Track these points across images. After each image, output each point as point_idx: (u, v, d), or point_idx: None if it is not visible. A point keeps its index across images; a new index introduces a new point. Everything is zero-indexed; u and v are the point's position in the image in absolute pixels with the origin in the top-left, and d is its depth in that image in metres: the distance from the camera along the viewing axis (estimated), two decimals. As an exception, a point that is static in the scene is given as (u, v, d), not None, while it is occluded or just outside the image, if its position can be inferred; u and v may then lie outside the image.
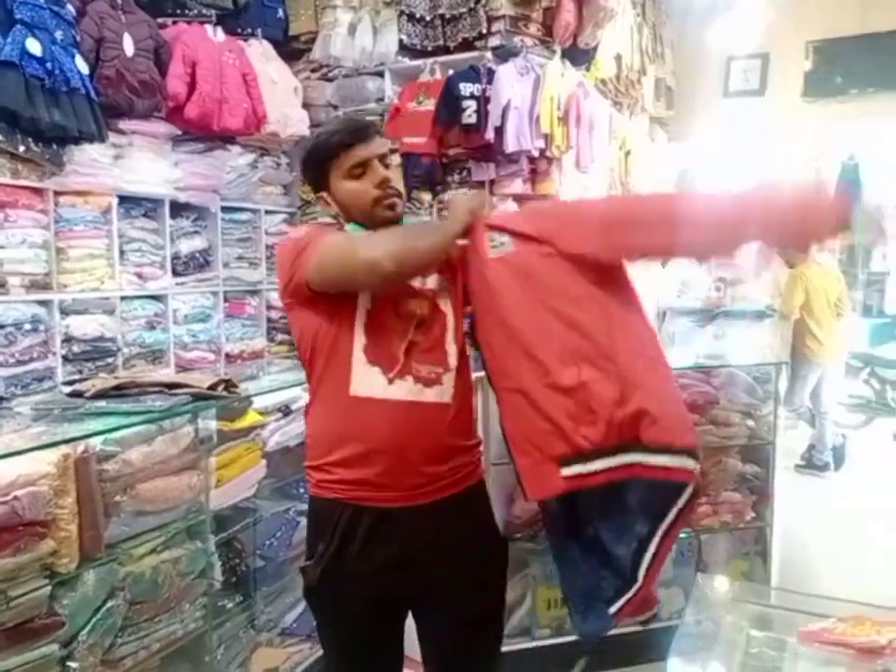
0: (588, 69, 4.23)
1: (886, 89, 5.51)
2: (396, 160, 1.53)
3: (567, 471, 1.34)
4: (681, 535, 2.71)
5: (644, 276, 5.09)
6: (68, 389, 1.92)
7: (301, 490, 2.48)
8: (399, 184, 1.50)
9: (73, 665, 1.67)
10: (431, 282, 1.50)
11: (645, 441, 1.29)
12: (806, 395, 4.92)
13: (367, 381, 1.41)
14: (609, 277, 1.43)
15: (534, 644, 2.57)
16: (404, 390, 1.41)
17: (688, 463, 1.26)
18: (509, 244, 1.45)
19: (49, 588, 1.63)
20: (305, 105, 4.18)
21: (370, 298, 1.44)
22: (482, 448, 1.60)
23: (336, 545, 1.45)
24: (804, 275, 4.82)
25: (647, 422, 1.30)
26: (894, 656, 0.84)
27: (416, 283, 1.48)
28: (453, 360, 1.46)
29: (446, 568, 1.47)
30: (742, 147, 6.73)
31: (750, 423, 2.80)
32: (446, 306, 1.49)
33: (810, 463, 4.96)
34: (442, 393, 1.44)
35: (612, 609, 1.33)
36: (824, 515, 4.17)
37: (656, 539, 1.29)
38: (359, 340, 1.43)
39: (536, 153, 3.73)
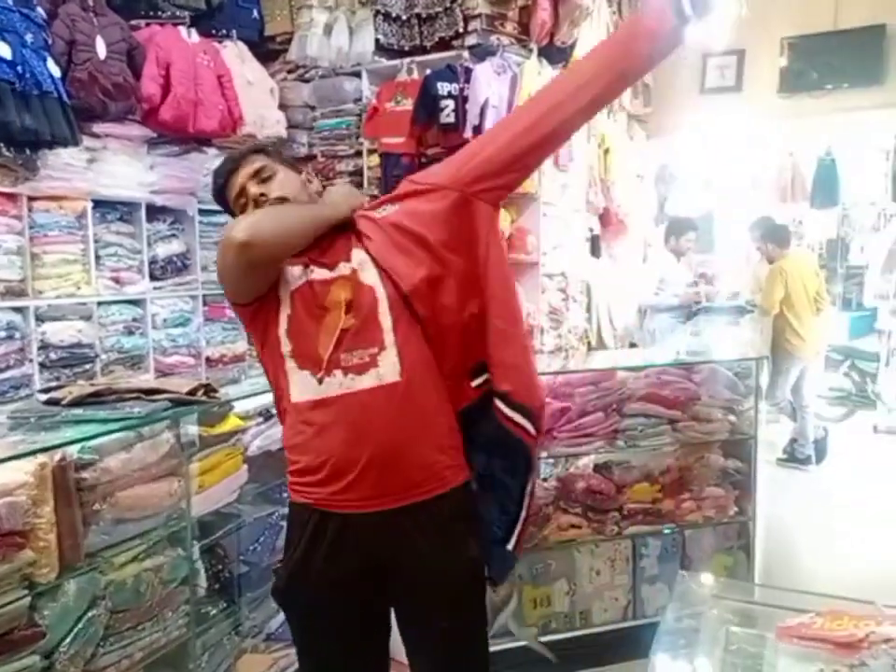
0: (565, 67, 4.24)
1: (860, 84, 5.56)
2: (280, 171, 1.50)
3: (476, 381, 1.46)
4: (665, 531, 2.76)
5: (623, 274, 5.14)
6: (44, 397, 1.90)
7: (284, 494, 2.46)
8: (279, 191, 1.46)
9: (54, 676, 1.65)
10: (350, 262, 1.43)
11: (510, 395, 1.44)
12: (788, 389, 4.97)
13: (301, 386, 1.40)
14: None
15: (520, 643, 2.57)
16: (335, 386, 1.36)
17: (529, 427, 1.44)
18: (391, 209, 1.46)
19: (29, 599, 1.61)
20: (282, 106, 4.16)
21: (289, 303, 1.42)
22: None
23: (303, 549, 1.43)
24: (784, 271, 4.87)
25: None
26: (871, 650, 0.85)
27: (330, 270, 1.42)
28: (389, 335, 1.37)
29: (411, 583, 1.42)
30: (720, 144, 6.80)
31: (732, 418, 2.82)
32: (373, 278, 1.40)
33: (792, 457, 5.01)
34: (382, 374, 1.35)
35: (510, 546, 1.47)
36: (807, 508, 4.21)
37: (531, 478, 1.50)
38: (286, 347, 1.41)
39: (515, 152, 3.73)
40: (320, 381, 1.36)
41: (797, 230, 6.84)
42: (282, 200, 1.45)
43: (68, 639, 1.68)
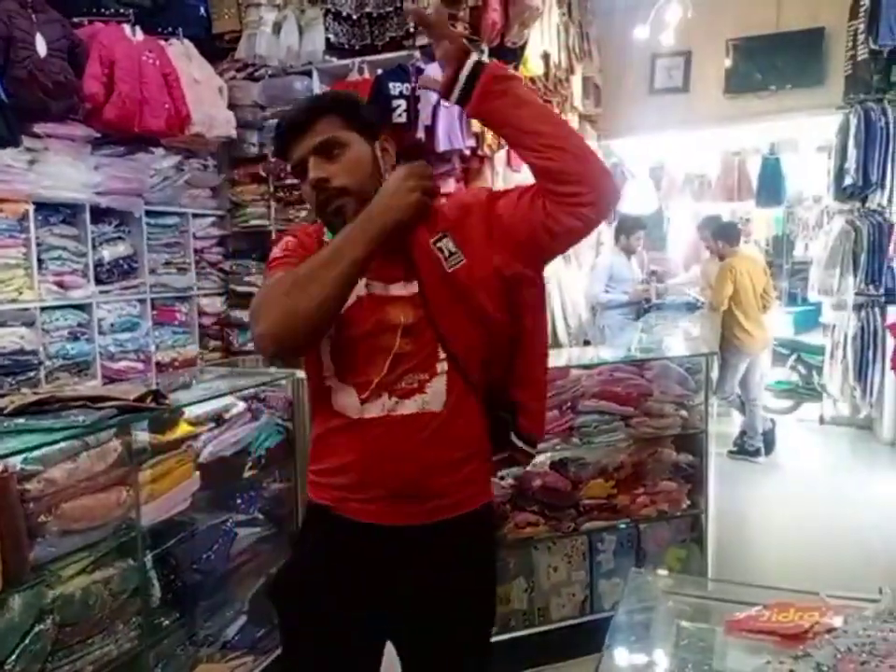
0: (516, 68, 4.26)
1: (802, 85, 5.73)
2: (353, 145, 1.30)
3: None
4: (621, 526, 2.79)
5: (577, 273, 5.20)
6: (-15, 407, 1.83)
7: (238, 501, 2.43)
8: (343, 177, 1.28)
9: (-1, 694, 1.60)
10: (413, 281, 1.31)
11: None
12: (736, 383, 5.08)
13: (343, 399, 1.32)
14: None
15: (504, 637, 2.59)
16: (378, 408, 1.30)
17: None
18: (459, 254, 1.31)
19: (-28, 614, 1.56)
20: (231, 106, 4.10)
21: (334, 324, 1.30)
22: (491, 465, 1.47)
23: (310, 551, 1.41)
24: (733, 268, 4.98)
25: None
26: (815, 640, 0.87)
27: (385, 284, 1.31)
28: (442, 364, 1.31)
29: (420, 603, 1.36)
30: (668, 143, 6.93)
31: (683, 413, 2.87)
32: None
33: (742, 449, 5.13)
34: (425, 402, 1.30)
35: None
36: (757, 500, 4.32)
37: None
38: (329, 369, 1.33)
39: (468, 152, 3.75)
40: (363, 402, 1.30)
41: (744, 227, 7.00)
42: (342, 191, 1.28)
43: (14, 656, 1.63)
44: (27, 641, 1.66)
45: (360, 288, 1.29)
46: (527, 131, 1.24)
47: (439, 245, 1.30)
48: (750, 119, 6.05)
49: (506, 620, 2.69)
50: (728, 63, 5.99)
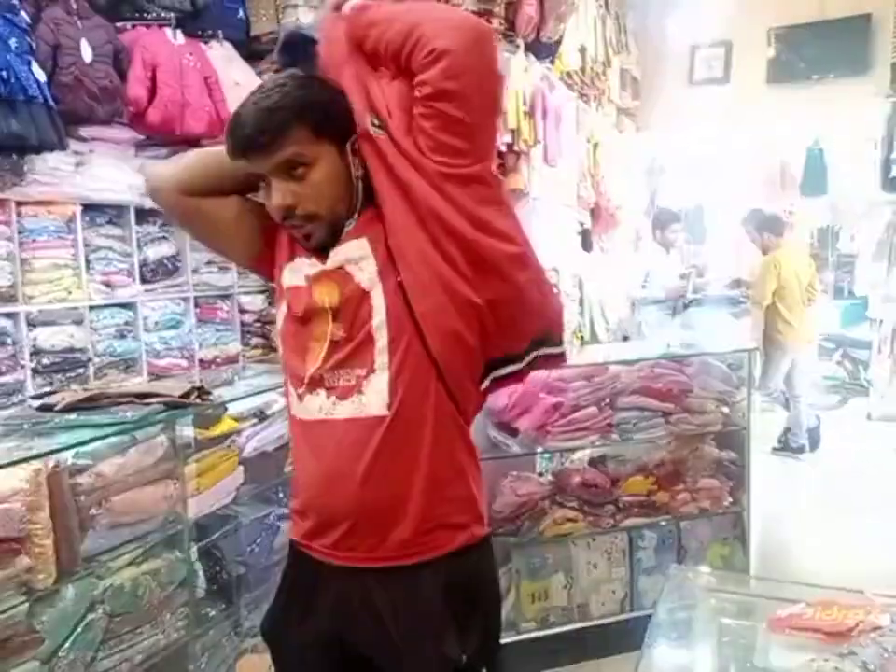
0: (553, 62, 4.24)
1: (847, 74, 5.60)
2: (321, 160, 1.10)
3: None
4: (661, 523, 2.77)
5: (615, 268, 5.15)
6: (37, 403, 1.89)
7: (281, 495, 2.47)
8: (310, 203, 1.09)
9: (54, 681, 1.65)
10: (343, 252, 1.12)
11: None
12: (780, 379, 4.99)
13: (291, 398, 1.19)
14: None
15: (519, 637, 2.59)
16: (314, 408, 1.13)
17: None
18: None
19: (27, 605, 1.61)
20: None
21: (285, 301, 1.19)
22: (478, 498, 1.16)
23: (285, 594, 1.27)
24: (778, 262, 4.88)
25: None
26: (860, 638, 0.86)
27: (317, 264, 1.14)
28: (381, 357, 1.08)
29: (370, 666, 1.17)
30: (708, 135, 6.82)
31: (725, 409, 2.84)
32: (371, 280, 1.10)
33: (786, 446, 5.04)
34: (364, 403, 1.09)
35: None
36: (801, 497, 4.24)
37: None
38: (282, 352, 1.22)
39: (503, 148, 3.74)
40: (300, 397, 1.15)
41: (788, 219, 6.86)
42: (310, 217, 1.11)
43: (67, 644, 1.68)
44: (79, 630, 1.71)
45: (304, 266, 1.16)
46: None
47: None
48: (793, 109, 5.92)
49: (545, 615, 2.69)
50: (770, 52, 5.88)
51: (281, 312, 1.21)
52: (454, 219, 1.08)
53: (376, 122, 1.10)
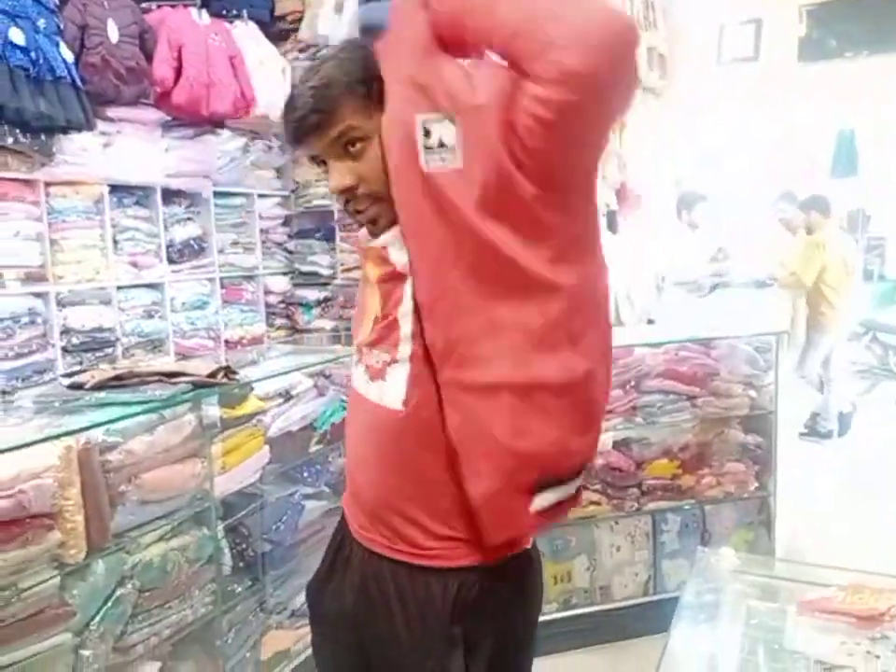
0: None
1: (880, 51, 5.46)
2: (376, 133, 0.99)
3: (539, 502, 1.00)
4: (685, 506, 2.76)
5: (641, 250, 5.09)
6: (68, 381, 1.92)
7: (306, 474, 2.50)
8: (372, 182, 1.00)
9: (85, 653, 1.69)
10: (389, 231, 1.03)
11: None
12: (819, 362, 4.90)
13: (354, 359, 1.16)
14: None
15: (541, 619, 2.59)
16: (359, 378, 1.10)
17: None
18: (454, 149, 0.91)
19: (59, 579, 1.64)
20: (294, 87, 4.13)
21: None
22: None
23: (329, 558, 1.23)
24: (824, 242, 4.77)
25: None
26: (893, 622, 0.85)
27: (369, 236, 1.09)
28: (404, 347, 1.01)
29: (384, 656, 1.11)
30: (737, 115, 6.69)
31: (752, 393, 2.81)
32: (405, 266, 1.00)
33: (814, 430, 4.98)
34: (384, 393, 1.03)
35: None
36: (828, 483, 4.19)
37: None
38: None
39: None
40: (356, 363, 1.12)
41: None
42: (375, 198, 1.01)
43: (98, 618, 1.72)
44: (109, 604, 1.75)
45: None
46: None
47: None
48: (825, 88, 5.79)
49: (567, 597, 2.70)
50: (802, 29, 5.75)
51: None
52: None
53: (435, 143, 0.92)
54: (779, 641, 0.94)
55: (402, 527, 1.05)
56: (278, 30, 4.24)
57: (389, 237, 1.02)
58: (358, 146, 1.00)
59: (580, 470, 1.04)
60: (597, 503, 2.67)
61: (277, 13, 4.24)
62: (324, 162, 1.04)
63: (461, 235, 0.92)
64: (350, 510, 1.15)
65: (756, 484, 2.84)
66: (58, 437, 1.62)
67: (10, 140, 2.83)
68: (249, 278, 4.11)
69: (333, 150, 1.01)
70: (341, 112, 1.00)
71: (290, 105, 1.05)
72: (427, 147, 0.91)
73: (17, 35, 2.71)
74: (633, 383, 2.70)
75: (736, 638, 0.97)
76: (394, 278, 1.02)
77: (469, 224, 0.90)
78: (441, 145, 0.90)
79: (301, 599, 2.43)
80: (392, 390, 1.01)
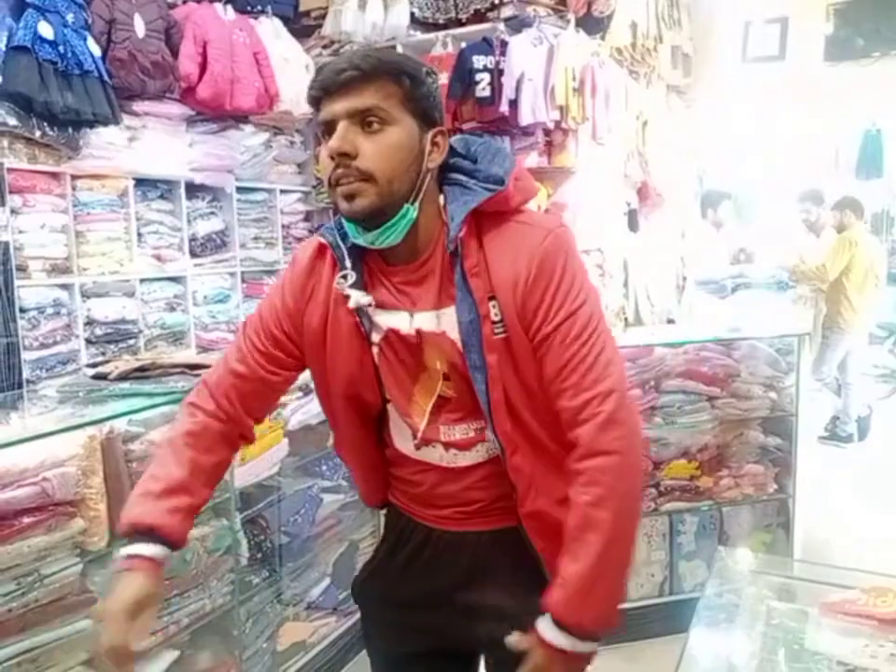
0: (603, 38, 4.16)
1: (909, 50, 5.38)
2: (401, 124, 1.01)
3: None
4: (703, 507, 2.74)
5: (662, 249, 5.06)
6: (92, 372, 1.95)
7: (324, 468, 2.51)
8: (373, 160, 1.00)
9: (105, 640, 1.71)
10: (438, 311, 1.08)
11: None
12: (835, 365, 4.85)
13: (399, 433, 1.20)
14: None
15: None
16: (435, 456, 1.16)
17: None
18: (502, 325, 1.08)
19: (81, 566, 1.67)
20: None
21: (379, 336, 1.13)
22: None
23: (389, 547, 1.29)
24: (854, 242, 4.72)
25: None
26: (918, 626, 0.84)
27: (411, 315, 1.09)
28: (500, 413, 1.08)
29: (497, 625, 1.11)
30: (762, 114, 6.63)
31: (773, 395, 2.79)
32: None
33: (834, 434, 4.93)
34: (492, 449, 1.13)
35: None
36: (848, 487, 4.15)
37: None
38: (385, 390, 1.17)
39: (551, 125, 3.69)
40: (417, 448, 1.16)
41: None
42: (364, 175, 1.00)
43: (119, 605, 1.74)
44: (130, 592, 1.77)
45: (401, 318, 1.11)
46: None
47: (492, 303, 1.05)
48: (851, 88, 5.72)
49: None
50: (828, 28, 5.68)
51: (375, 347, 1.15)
52: None
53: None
54: (800, 642, 0.93)
55: (499, 513, 1.17)
56: (302, 26, 4.26)
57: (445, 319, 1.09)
58: (376, 126, 1.00)
59: None
60: (615, 502, 2.65)
61: (301, 9, 4.26)
62: (331, 135, 1.02)
63: None
64: (422, 511, 1.22)
65: (775, 487, 2.82)
66: (81, 426, 1.65)
67: (38, 133, 2.86)
68: (270, 273, 4.13)
69: (351, 117, 1.00)
70: (378, 87, 1.00)
71: (335, 61, 1.02)
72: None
73: (46, 30, 2.75)
74: (653, 382, 2.68)
75: (757, 638, 0.97)
76: (460, 357, 1.08)
77: None
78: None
79: (317, 591, 2.45)
80: (494, 443, 1.10)
